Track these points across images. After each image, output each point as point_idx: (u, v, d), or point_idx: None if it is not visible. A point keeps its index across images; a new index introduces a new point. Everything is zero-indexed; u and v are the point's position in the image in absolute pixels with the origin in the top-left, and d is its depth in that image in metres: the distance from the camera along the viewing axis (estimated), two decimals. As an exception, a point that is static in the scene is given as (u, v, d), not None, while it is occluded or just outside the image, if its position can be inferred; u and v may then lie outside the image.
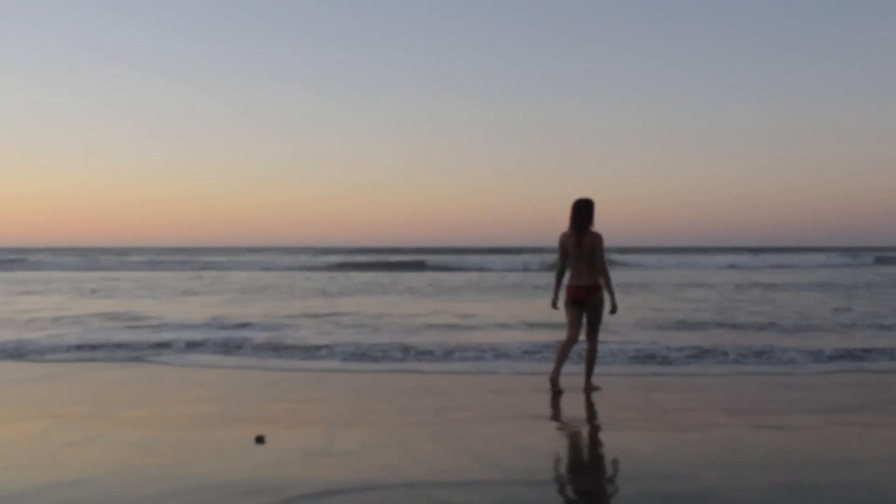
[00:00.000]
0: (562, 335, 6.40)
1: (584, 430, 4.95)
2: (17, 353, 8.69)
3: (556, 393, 6.09)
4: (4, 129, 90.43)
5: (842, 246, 70.54)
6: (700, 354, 8.15)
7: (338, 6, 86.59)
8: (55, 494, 3.51)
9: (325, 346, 8.92)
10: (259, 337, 9.89)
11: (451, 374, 7.32)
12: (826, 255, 47.36)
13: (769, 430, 4.79)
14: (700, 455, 4.19)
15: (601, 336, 6.30)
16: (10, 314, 13.28)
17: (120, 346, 9.13)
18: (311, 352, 8.63)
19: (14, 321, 12.13)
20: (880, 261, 44.62)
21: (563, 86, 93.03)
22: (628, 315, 11.21)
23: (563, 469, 3.98)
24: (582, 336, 6.25)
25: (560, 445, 4.49)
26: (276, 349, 8.83)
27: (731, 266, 36.81)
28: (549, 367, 7.58)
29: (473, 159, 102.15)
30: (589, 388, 6.22)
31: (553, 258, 40.17)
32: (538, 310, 13.77)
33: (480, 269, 36.02)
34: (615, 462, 4.18)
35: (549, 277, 26.22)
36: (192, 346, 9.12)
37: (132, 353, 8.68)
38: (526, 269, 35.51)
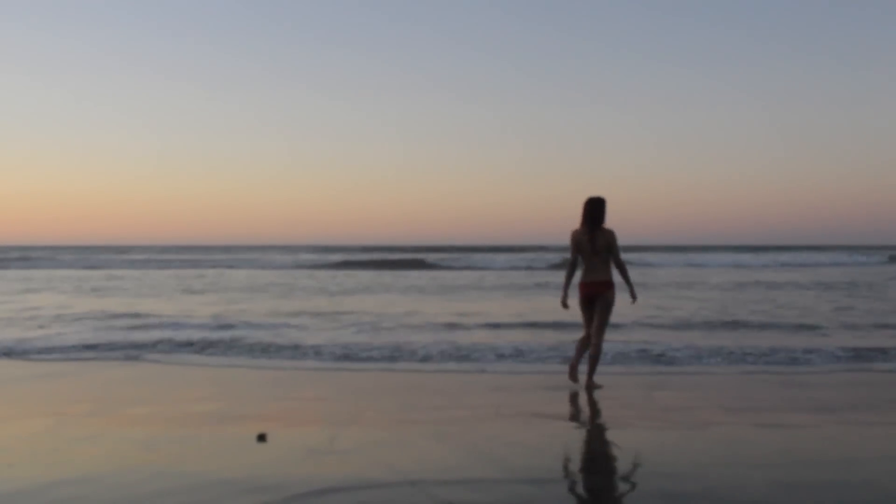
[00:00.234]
0: (562, 333, 6.43)
1: (586, 429, 4.96)
2: (19, 351, 8.70)
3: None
4: (7, 127, 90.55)
5: (855, 244, 69.97)
6: (701, 353, 8.15)
7: (339, 6, 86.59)
8: (58, 491, 3.52)
9: (326, 345, 8.93)
10: (260, 335, 9.90)
11: (452, 372, 7.33)
12: (836, 254, 46.74)
13: (770, 429, 4.78)
14: (701, 453, 4.19)
15: (606, 334, 6.31)
16: (12, 312, 13.30)
17: (121, 344, 9.14)
18: (312, 350, 8.63)
19: (16, 319, 12.14)
20: (894, 259, 43.90)
21: (564, 85, 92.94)
22: (630, 314, 11.17)
23: (564, 467, 3.98)
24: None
25: (561, 443, 4.49)
26: (277, 348, 8.84)
27: (736, 265, 36.77)
28: (551, 366, 7.62)
29: (474, 158, 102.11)
30: (591, 386, 6.22)
31: (553, 256, 40.17)
32: (540, 308, 13.77)
33: (482, 267, 36.02)
34: (616, 460, 4.18)
35: (550, 276, 26.22)
36: (193, 344, 9.13)
37: (133, 351, 8.69)
38: (528, 267, 35.51)
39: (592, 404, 5.73)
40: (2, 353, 8.58)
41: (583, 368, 6.41)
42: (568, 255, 6.45)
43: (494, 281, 24.19)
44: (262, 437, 4.50)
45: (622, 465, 4.05)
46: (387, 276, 27.65)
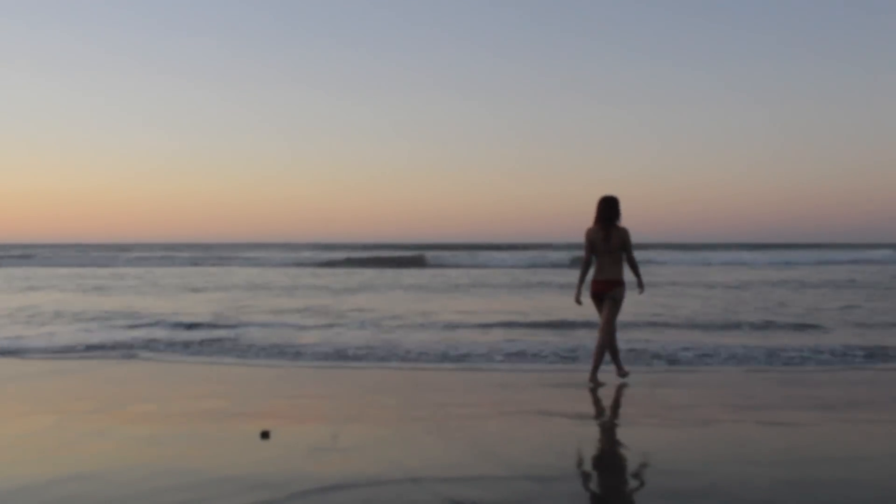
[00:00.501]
0: (565, 332, 6.44)
1: (589, 426, 4.95)
2: (21, 349, 8.71)
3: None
4: (12, 125, 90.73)
5: (860, 243, 69.12)
6: (705, 351, 8.13)
7: (340, 5, 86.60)
8: (62, 488, 3.52)
9: (328, 343, 8.93)
10: (262, 333, 9.91)
11: (454, 370, 7.32)
12: (842, 252, 45.90)
13: (774, 427, 4.78)
14: (705, 451, 4.19)
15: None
16: (14, 311, 13.32)
17: (123, 342, 9.15)
18: (314, 348, 8.63)
19: (19, 318, 12.17)
20: None
21: (566, 83, 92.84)
22: (633, 311, 11.16)
23: (567, 464, 3.98)
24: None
25: (564, 441, 4.48)
26: (280, 345, 8.84)
27: (740, 263, 36.70)
28: (553, 364, 7.63)
29: (476, 156, 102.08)
30: (623, 375, 6.38)
31: (555, 254, 40.15)
32: (542, 307, 13.77)
33: (485, 265, 36.01)
34: (620, 457, 4.18)
35: (553, 275, 26.20)
36: (195, 342, 9.14)
37: (135, 349, 8.70)
38: (531, 265, 35.50)
39: (596, 402, 5.73)
40: (3, 351, 8.59)
41: (584, 366, 6.41)
42: (581, 253, 6.54)
43: (497, 279, 24.18)
44: (265, 435, 4.50)
45: (626, 463, 4.05)
46: (389, 273, 27.64)
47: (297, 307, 13.77)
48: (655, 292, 17.42)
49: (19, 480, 3.66)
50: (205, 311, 12.78)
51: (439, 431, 4.66)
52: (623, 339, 8.71)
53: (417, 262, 36.74)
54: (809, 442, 4.42)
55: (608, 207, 6.25)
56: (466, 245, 69.86)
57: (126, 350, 8.61)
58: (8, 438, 4.58)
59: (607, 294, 6.26)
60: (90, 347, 8.80)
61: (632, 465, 3.99)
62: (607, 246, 6.20)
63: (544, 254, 42.41)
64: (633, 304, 6.69)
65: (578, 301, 6.45)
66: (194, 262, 38.56)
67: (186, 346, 8.90)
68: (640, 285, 6.42)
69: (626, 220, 6.33)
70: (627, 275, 6.35)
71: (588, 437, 4.64)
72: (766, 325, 10.63)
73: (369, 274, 27.62)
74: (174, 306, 14.03)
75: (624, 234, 6.24)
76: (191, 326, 10.60)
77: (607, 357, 6.48)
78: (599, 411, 5.43)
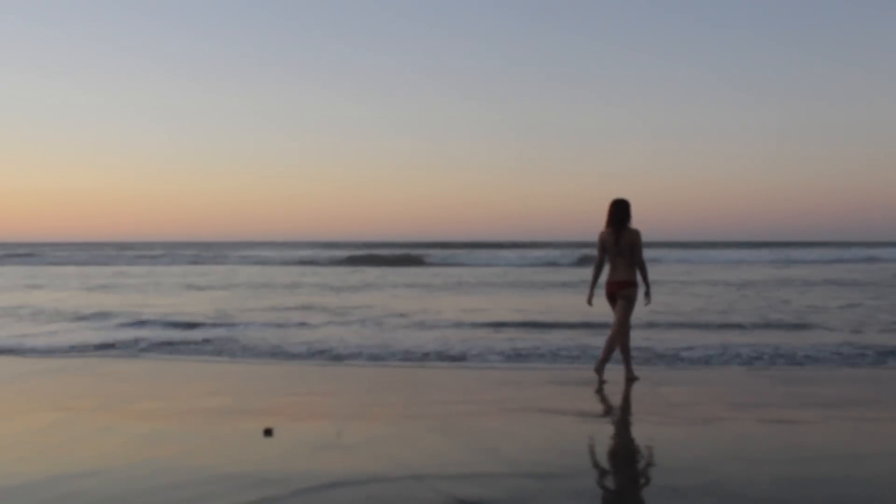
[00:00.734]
0: (567, 332, 6.46)
1: (591, 424, 4.96)
2: (24, 347, 8.74)
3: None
4: (16, 125, 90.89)
5: (863, 241, 68.58)
6: (706, 349, 8.14)
7: (342, 5, 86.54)
8: (66, 485, 3.54)
9: (330, 341, 8.95)
10: (264, 331, 9.93)
11: (456, 368, 7.34)
12: (843, 251, 45.52)
13: (776, 425, 4.79)
14: (707, 448, 4.20)
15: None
16: (18, 309, 13.36)
17: (126, 340, 9.18)
18: (316, 346, 8.65)
19: (22, 316, 12.21)
20: None
21: (567, 82, 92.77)
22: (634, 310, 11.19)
23: (569, 462, 3.99)
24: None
25: (566, 438, 4.50)
26: (282, 343, 8.86)
27: (742, 261, 36.65)
28: (555, 362, 7.65)
29: (478, 155, 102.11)
30: (630, 378, 6.38)
31: (558, 253, 40.13)
32: (545, 306, 13.78)
33: (487, 264, 36.00)
34: (622, 455, 4.19)
35: (555, 274, 26.21)
36: (198, 340, 9.17)
37: (139, 347, 8.73)
38: (531, 264, 35.49)
39: (598, 400, 5.74)
40: (7, 349, 8.62)
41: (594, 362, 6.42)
42: (594, 253, 6.62)
43: (498, 277, 24.19)
44: (268, 432, 4.52)
45: (628, 460, 4.06)
46: (391, 272, 27.66)
47: (299, 305, 13.80)
48: (656, 290, 17.38)
49: (23, 477, 3.68)
50: (207, 310, 12.80)
51: (441, 429, 4.68)
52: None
53: (419, 261, 36.75)
54: (810, 440, 4.43)
55: (619, 210, 6.38)
56: (468, 244, 69.87)
57: (129, 348, 8.64)
58: (12, 435, 4.61)
59: (619, 294, 6.35)
60: (93, 345, 8.83)
61: (633, 462, 4.00)
62: (618, 248, 6.32)
63: (548, 252, 42.38)
64: (639, 304, 6.70)
65: (590, 302, 6.58)
66: (196, 261, 38.61)
67: (189, 344, 8.92)
68: (647, 294, 6.40)
69: (633, 219, 6.40)
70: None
71: (589, 435, 4.65)
72: (767, 324, 10.63)
73: (371, 272, 27.63)
74: (177, 304, 14.06)
75: (634, 235, 6.33)
76: (193, 324, 10.62)
77: (617, 356, 6.52)
78: (601, 409, 5.44)
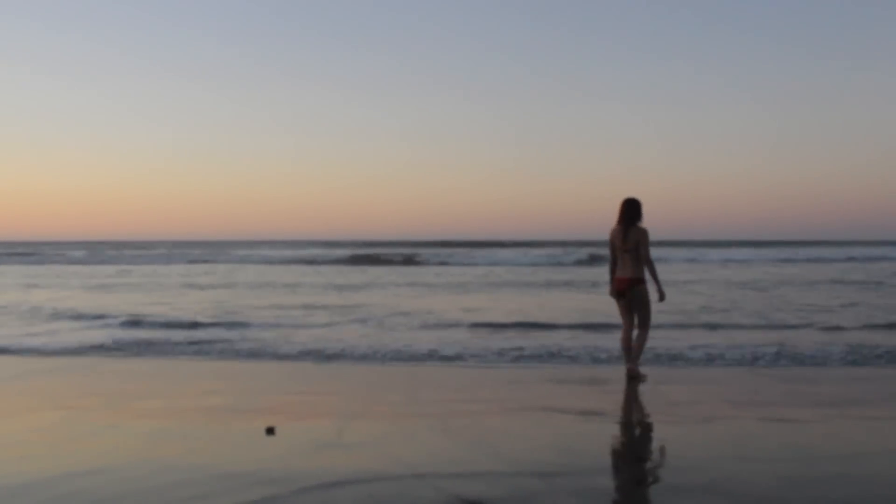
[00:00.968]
0: (568, 331, 6.47)
1: (592, 423, 4.96)
2: (25, 346, 8.75)
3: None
4: (18, 124, 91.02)
5: (864, 240, 68.23)
6: (707, 348, 8.14)
7: (342, 5, 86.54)
8: (69, 483, 3.55)
9: (333, 340, 8.95)
10: (266, 330, 9.94)
11: (458, 367, 7.34)
12: (844, 249, 45.27)
13: (776, 423, 4.79)
14: (707, 447, 4.20)
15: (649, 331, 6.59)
16: (19, 308, 13.37)
17: (128, 339, 9.18)
18: (318, 345, 8.65)
19: (23, 315, 12.22)
20: None
21: (567, 82, 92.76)
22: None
23: (570, 460, 3.99)
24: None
25: (567, 437, 4.50)
26: (283, 342, 8.86)
27: (743, 260, 36.62)
28: (556, 362, 7.66)
29: (476, 156, 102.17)
30: (632, 372, 6.42)
31: (559, 251, 40.14)
32: (545, 305, 13.78)
33: (488, 263, 36.00)
34: (623, 453, 4.20)
35: (552, 274, 26.23)
36: (200, 339, 9.17)
37: (141, 346, 8.74)
38: (533, 263, 35.49)
39: (599, 399, 5.74)
40: (9, 348, 8.63)
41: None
42: (599, 252, 6.68)
43: (501, 276, 24.19)
44: (270, 431, 4.53)
45: (629, 459, 4.06)
46: (392, 271, 27.67)
47: (301, 304, 13.80)
48: (668, 289, 17.40)
49: (25, 476, 3.69)
50: (209, 309, 12.81)
51: (443, 428, 4.69)
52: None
53: (421, 260, 36.76)
54: (811, 439, 4.43)
55: (629, 208, 6.48)
56: (469, 242, 69.87)
57: (130, 347, 8.65)
58: (14, 434, 4.62)
59: (628, 293, 6.43)
60: (94, 345, 8.83)
61: (634, 461, 4.00)
62: (625, 245, 6.40)
63: (549, 251, 42.37)
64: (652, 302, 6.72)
65: (612, 295, 6.66)
66: (197, 260, 38.62)
67: (191, 343, 8.93)
68: (659, 291, 6.49)
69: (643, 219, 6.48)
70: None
71: (591, 434, 4.66)
72: (768, 322, 10.62)
73: (373, 271, 27.64)
74: (178, 303, 14.07)
75: (641, 234, 6.40)
76: (194, 324, 10.63)
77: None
78: (602, 408, 5.44)
